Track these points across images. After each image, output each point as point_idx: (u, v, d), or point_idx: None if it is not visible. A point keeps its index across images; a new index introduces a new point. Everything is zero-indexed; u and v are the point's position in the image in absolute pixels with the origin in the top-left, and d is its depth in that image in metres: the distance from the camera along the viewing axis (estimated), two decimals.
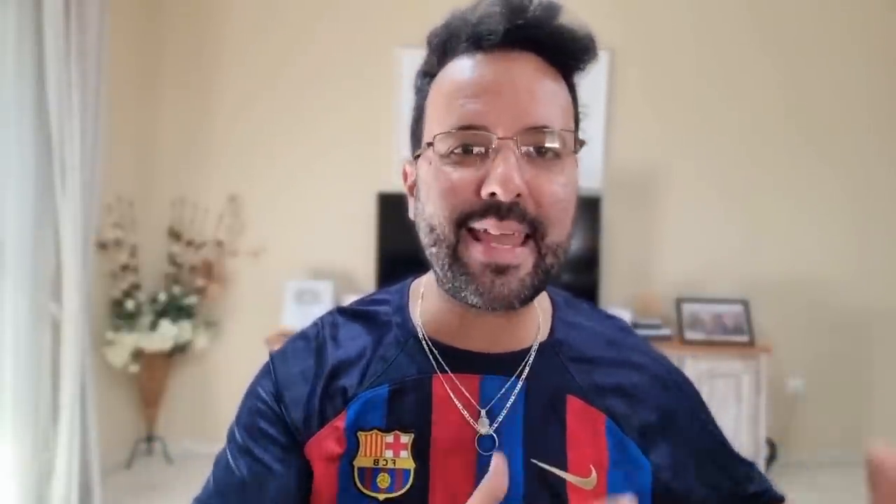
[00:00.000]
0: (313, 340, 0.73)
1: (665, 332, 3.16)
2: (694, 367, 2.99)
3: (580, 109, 0.68)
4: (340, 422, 0.67)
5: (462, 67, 0.63)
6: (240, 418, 0.71)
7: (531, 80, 0.62)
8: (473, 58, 0.63)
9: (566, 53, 0.64)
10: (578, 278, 3.22)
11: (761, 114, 3.40)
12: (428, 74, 0.67)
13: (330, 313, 0.77)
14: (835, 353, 3.40)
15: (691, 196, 3.43)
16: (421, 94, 0.68)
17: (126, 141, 3.20)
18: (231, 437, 0.71)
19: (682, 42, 3.41)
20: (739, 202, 3.42)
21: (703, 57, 3.41)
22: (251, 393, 0.72)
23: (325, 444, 0.67)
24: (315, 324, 0.75)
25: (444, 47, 0.65)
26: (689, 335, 3.13)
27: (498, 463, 0.50)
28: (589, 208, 3.24)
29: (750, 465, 0.76)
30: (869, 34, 3.38)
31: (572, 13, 0.63)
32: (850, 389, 3.40)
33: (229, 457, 0.69)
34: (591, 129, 3.34)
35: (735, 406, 2.97)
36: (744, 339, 3.10)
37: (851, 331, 3.40)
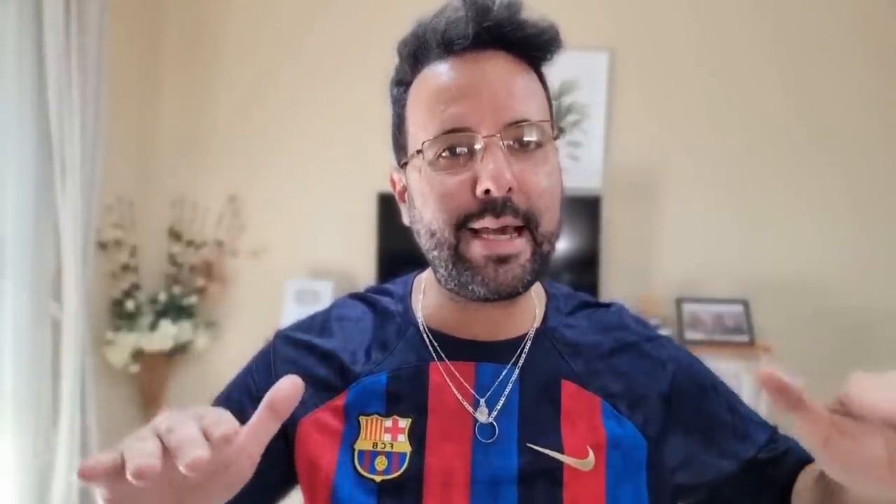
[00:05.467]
0: (320, 317, 0.78)
1: (665, 332, 3.15)
2: None
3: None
4: (340, 401, 0.70)
5: (437, 73, 0.65)
6: (231, 393, 0.76)
7: (505, 77, 0.64)
8: (446, 62, 0.65)
9: (533, 47, 0.67)
10: (578, 278, 3.22)
11: (762, 112, 3.40)
12: (402, 83, 0.70)
13: (342, 297, 0.82)
14: (836, 354, 3.40)
15: (691, 196, 3.43)
16: (398, 103, 0.71)
17: (126, 141, 3.20)
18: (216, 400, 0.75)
19: (682, 42, 3.41)
20: (740, 202, 3.42)
21: (703, 56, 3.41)
22: (248, 377, 0.77)
23: (322, 420, 0.70)
24: (326, 309, 0.81)
25: (415, 56, 0.68)
26: (689, 335, 3.13)
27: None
28: (589, 208, 3.23)
29: (768, 428, 0.75)
30: (874, 30, 3.37)
31: (532, 7, 0.65)
32: None
33: None
34: (591, 129, 3.35)
35: None
36: (744, 339, 3.10)
37: (853, 331, 3.40)
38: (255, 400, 0.73)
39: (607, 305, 0.80)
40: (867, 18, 3.37)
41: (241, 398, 0.73)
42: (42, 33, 2.45)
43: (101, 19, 2.61)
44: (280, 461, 0.71)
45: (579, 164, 3.32)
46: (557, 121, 2.83)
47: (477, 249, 0.63)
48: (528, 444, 0.67)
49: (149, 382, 3.26)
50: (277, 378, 0.73)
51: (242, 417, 0.68)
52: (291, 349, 0.75)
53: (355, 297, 0.81)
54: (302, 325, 0.78)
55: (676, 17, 3.41)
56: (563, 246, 3.23)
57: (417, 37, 0.67)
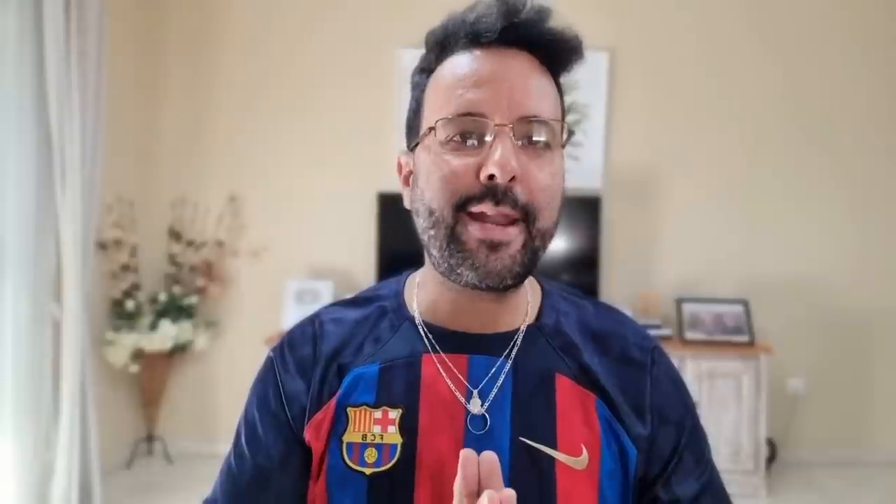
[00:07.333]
0: (310, 328, 0.76)
1: (665, 332, 3.16)
2: (694, 367, 2.99)
3: (567, 107, 0.76)
4: (334, 400, 0.70)
5: (461, 61, 0.68)
6: (247, 418, 0.74)
7: (524, 74, 0.66)
8: (471, 53, 0.67)
9: (555, 53, 0.69)
10: (578, 278, 3.23)
11: (761, 113, 3.40)
12: (425, 71, 0.72)
13: (327, 305, 0.81)
14: (835, 353, 3.40)
15: (691, 196, 3.43)
16: (418, 88, 0.72)
17: (126, 141, 3.21)
18: (236, 442, 0.74)
19: (681, 42, 3.41)
20: (740, 202, 3.43)
21: (702, 57, 3.41)
22: (255, 398, 0.75)
23: (320, 422, 0.69)
24: (313, 314, 0.79)
25: (442, 45, 0.70)
26: (690, 335, 3.13)
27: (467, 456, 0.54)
28: (589, 208, 3.24)
29: (694, 488, 0.72)
30: (869, 32, 3.38)
31: (562, 17, 0.68)
32: (850, 389, 3.40)
33: (233, 461, 0.73)
34: (592, 129, 3.35)
35: (735, 406, 2.96)
36: (744, 339, 3.10)
37: (852, 331, 3.40)
38: (281, 423, 0.70)
39: (602, 305, 0.80)
40: (865, 21, 3.38)
41: (267, 433, 0.72)
42: (42, 36, 2.45)
43: (101, 21, 2.61)
44: (309, 468, 0.71)
45: (579, 164, 3.32)
46: None
47: (472, 232, 0.64)
48: (521, 439, 0.67)
49: (149, 382, 3.26)
50: (284, 386, 0.72)
51: (281, 450, 0.70)
52: (288, 365, 0.74)
53: (340, 303, 0.80)
54: (294, 340, 0.76)
55: (676, 18, 3.41)
56: (563, 246, 3.23)
57: (446, 27, 0.69)
